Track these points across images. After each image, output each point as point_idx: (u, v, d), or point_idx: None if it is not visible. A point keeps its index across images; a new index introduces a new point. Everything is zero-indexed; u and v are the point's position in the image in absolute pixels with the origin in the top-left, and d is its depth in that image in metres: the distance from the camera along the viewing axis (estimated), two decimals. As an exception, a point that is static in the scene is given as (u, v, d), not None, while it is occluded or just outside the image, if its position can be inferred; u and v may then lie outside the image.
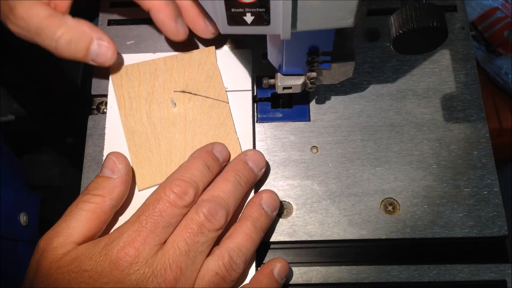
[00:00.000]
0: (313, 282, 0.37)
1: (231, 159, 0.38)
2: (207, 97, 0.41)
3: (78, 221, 0.33)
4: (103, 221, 0.34)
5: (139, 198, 0.38)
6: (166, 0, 0.39)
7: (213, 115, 0.40)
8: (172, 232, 0.33)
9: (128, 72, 0.42)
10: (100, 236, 0.35)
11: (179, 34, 0.40)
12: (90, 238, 0.34)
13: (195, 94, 0.41)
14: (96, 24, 0.47)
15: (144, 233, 0.32)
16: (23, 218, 0.57)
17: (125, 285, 0.30)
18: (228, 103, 0.41)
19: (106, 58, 0.39)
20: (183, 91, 0.41)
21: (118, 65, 0.42)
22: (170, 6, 0.39)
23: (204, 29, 0.40)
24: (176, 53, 0.42)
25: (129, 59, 0.42)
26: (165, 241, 0.33)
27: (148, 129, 0.40)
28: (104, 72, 0.43)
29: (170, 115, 0.40)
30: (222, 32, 0.30)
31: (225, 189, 0.35)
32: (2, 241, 0.52)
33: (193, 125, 0.40)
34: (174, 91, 0.41)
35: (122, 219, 0.37)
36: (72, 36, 0.37)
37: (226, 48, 0.44)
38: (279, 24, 0.28)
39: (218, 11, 0.28)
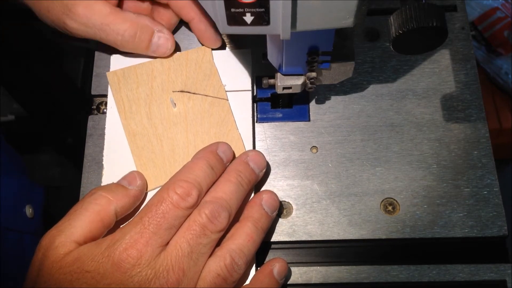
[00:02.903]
0: (313, 282, 0.37)
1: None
2: (206, 95, 0.41)
3: (82, 221, 0.33)
4: (106, 225, 0.34)
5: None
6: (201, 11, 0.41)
7: (213, 113, 0.40)
8: (175, 233, 0.33)
9: (125, 75, 0.41)
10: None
11: (218, 41, 0.42)
12: (91, 240, 0.33)
13: (194, 93, 0.41)
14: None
15: (146, 234, 0.32)
16: (28, 210, 0.56)
17: (128, 286, 0.30)
18: (227, 100, 0.41)
19: (166, 49, 0.41)
20: (182, 91, 0.41)
21: (115, 68, 0.42)
22: (208, 16, 0.41)
23: (212, 40, 0.42)
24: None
25: (128, 59, 0.42)
26: (168, 243, 0.32)
27: (150, 130, 0.40)
28: (104, 72, 0.43)
29: (170, 115, 0.40)
30: (222, 32, 0.30)
31: (227, 190, 0.35)
32: (8, 233, 0.52)
33: (194, 124, 0.40)
34: (173, 91, 0.41)
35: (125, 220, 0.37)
36: (136, 30, 0.40)
37: (226, 48, 0.44)
38: (279, 24, 0.28)
39: (218, 11, 0.28)
